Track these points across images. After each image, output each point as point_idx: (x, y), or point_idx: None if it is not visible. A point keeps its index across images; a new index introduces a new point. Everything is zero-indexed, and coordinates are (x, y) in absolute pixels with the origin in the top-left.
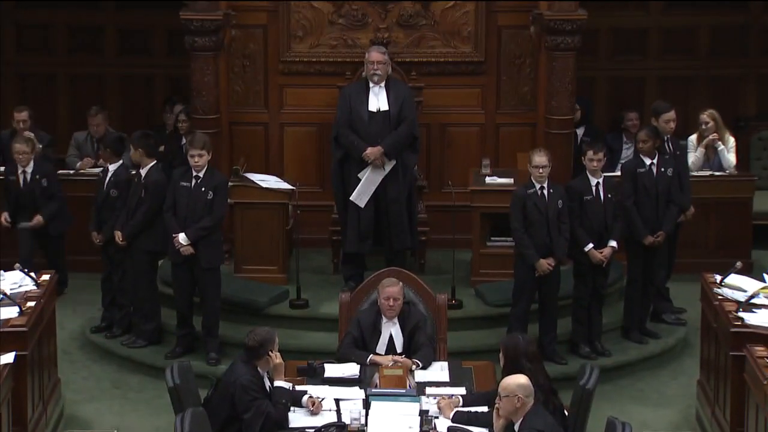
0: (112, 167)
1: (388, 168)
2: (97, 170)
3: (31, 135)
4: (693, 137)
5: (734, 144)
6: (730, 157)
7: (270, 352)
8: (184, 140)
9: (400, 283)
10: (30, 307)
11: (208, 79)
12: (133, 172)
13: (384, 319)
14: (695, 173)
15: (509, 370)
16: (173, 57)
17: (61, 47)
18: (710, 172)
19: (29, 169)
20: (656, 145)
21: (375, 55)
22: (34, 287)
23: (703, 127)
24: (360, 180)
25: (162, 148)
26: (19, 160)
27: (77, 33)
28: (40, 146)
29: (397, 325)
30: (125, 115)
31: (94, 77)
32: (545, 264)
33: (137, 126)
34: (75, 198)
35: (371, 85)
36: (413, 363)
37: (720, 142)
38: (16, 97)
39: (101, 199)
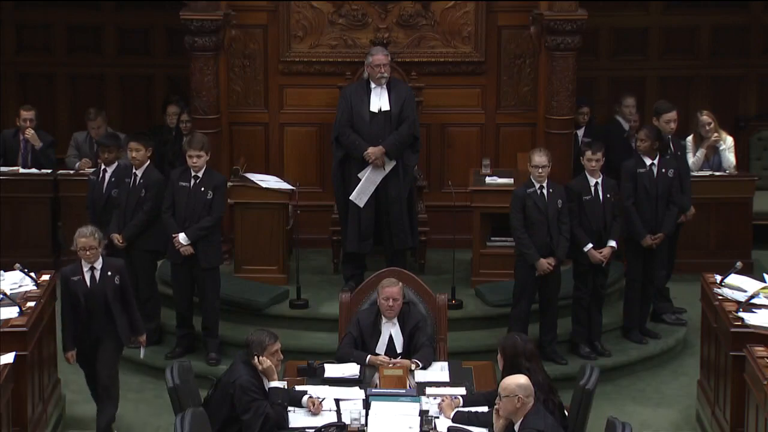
0: (110, 168)
1: (388, 168)
2: (91, 170)
3: (32, 132)
4: (689, 138)
5: (732, 144)
6: (731, 157)
7: (258, 356)
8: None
9: (400, 284)
10: (30, 307)
11: (208, 79)
12: None
13: (384, 320)
14: (695, 173)
15: (508, 371)
16: (173, 57)
17: (61, 47)
18: (710, 172)
19: (98, 264)
20: (655, 146)
21: (381, 57)
22: (34, 287)
23: (707, 128)
24: (360, 180)
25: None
26: (86, 257)
27: (77, 33)
28: (41, 144)
29: (397, 326)
30: (125, 115)
31: (94, 77)
32: (545, 263)
33: (137, 126)
34: (75, 198)
35: (372, 85)
36: (413, 363)
37: (721, 142)
38: (16, 97)
39: (101, 201)
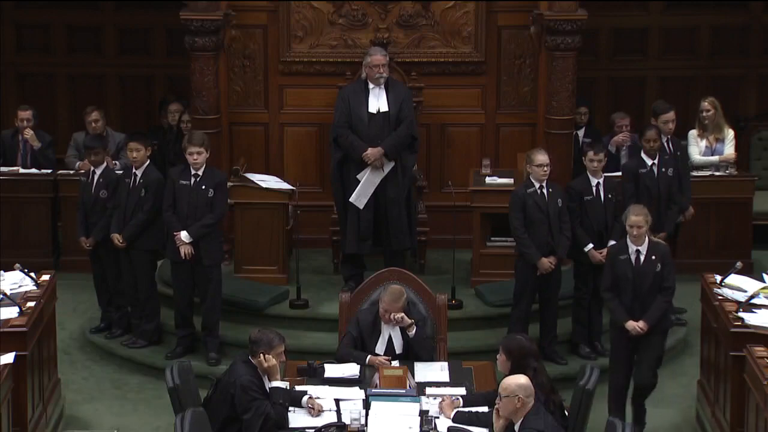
0: (99, 169)
1: (386, 169)
2: (85, 170)
3: (32, 133)
4: (693, 132)
5: (734, 137)
6: (730, 149)
7: (263, 354)
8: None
9: (405, 296)
10: (30, 307)
11: (208, 79)
12: (120, 172)
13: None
14: (695, 173)
15: (515, 372)
16: (173, 57)
17: (60, 47)
18: (710, 173)
19: None
20: (657, 145)
21: (379, 57)
22: (34, 287)
23: (704, 114)
24: (359, 181)
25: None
26: None
27: (77, 33)
28: (40, 144)
29: (397, 327)
30: (125, 115)
31: (94, 77)
32: (547, 262)
33: (137, 126)
34: (75, 198)
35: (371, 86)
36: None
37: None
38: (16, 97)
39: (90, 201)
